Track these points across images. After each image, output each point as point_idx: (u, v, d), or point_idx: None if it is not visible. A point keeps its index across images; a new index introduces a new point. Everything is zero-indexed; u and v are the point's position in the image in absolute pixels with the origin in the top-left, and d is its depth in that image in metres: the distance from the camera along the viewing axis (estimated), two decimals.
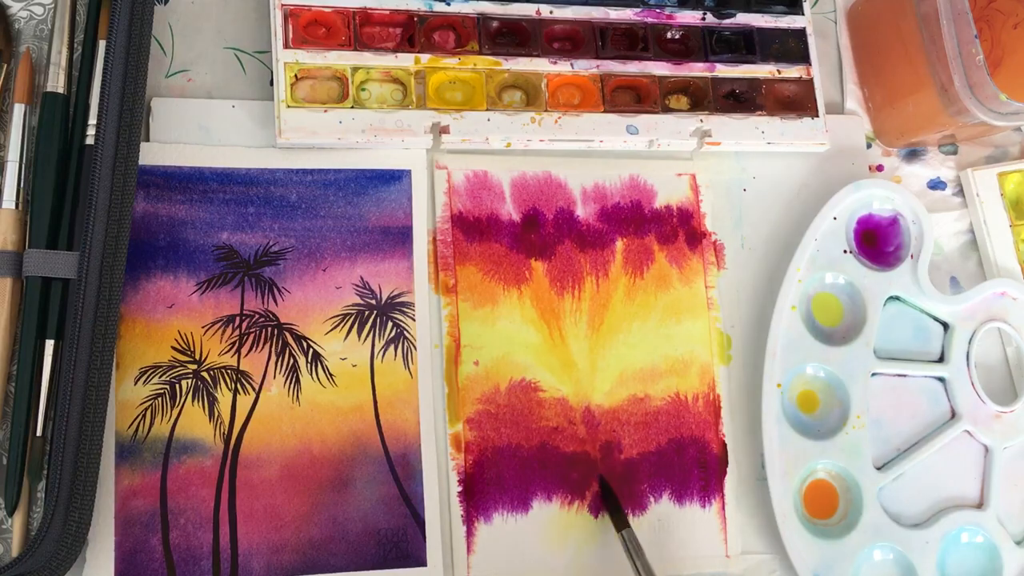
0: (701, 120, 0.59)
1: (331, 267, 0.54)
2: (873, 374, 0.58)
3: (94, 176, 0.47)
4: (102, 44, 0.50)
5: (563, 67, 0.58)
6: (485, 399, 0.54)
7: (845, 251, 0.59)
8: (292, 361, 0.52)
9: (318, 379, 0.52)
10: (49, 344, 0.48)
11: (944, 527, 0.57)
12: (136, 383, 0.50)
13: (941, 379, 0.60)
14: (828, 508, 0.57)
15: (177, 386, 0.50)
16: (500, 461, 0.54)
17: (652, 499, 0.55)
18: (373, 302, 0.54)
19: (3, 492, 0.47)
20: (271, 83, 0.55)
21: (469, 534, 0.53)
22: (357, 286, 0.54)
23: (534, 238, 0.57)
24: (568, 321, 0.56)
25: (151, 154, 0.52)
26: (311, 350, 0.52)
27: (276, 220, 0.53)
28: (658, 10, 0.60)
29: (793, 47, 0.62)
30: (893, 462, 0.58)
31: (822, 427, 0.57)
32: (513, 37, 0.58)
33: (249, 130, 0.54)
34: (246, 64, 0.56)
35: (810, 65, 0.62)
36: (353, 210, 0.54)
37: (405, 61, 0.55)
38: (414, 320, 0.54)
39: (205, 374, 0.51)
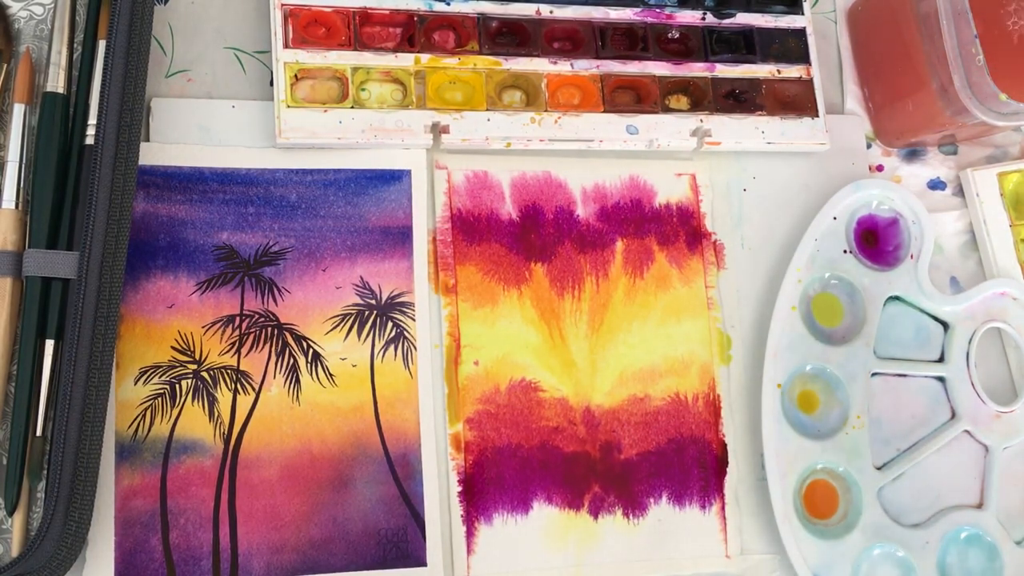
0: (701, 120, 0.59)
1: (331, 267, 0.54)
2: (873, 374, 0.58)
3: (94, 176, 0.47)
4: (102, 44, 0.50)
5: (563, 67, 0.58)
6: (485, 399, 0.54)
7: (845, 251, 0.59)
8: (292, 361, 0.52)
9: (318, 379, 0.52)
10: (49, 344, 0.48)
11: (944, 527, 0.57)
12: (136, 383, 0.50)
13: (941, 379, 0.60)
14: (828, 508, 0.57)
15: (177, 386, 0.50)
16: (500, 461, 0.54)
17: (652, 499, 0.55)
18: (373, 302, 0.54)
19: (3, 492, 0.47)
20: (271, 83, 0.55)
21: (469, 534, 0.53)
22: (357, 286, 0.54)
23: (534, 238, 0.57)
24: (568, 321, 0.56)
25: (151, 154, 0.52)
26: (311, 350, 0.52)
27: (276, 220, 0.53)
28: (658, 10, 0.60)
29: (793, 47, 0.62)
30: (893, 462, 0.58)
31: (822, 427, 0.57)
32: (513, 37, 0.58)
33: (249, 130, 0.54)
34: (246, 64, 0.56)
35: (810, 65, 0.62)
36: (353, 210, 0.54)
37: (405, 61, 0.55)
38: (414, 320, 0.54)
39: (205, 374, 0.51)
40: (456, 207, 0.56)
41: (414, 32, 0.56)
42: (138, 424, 0.50)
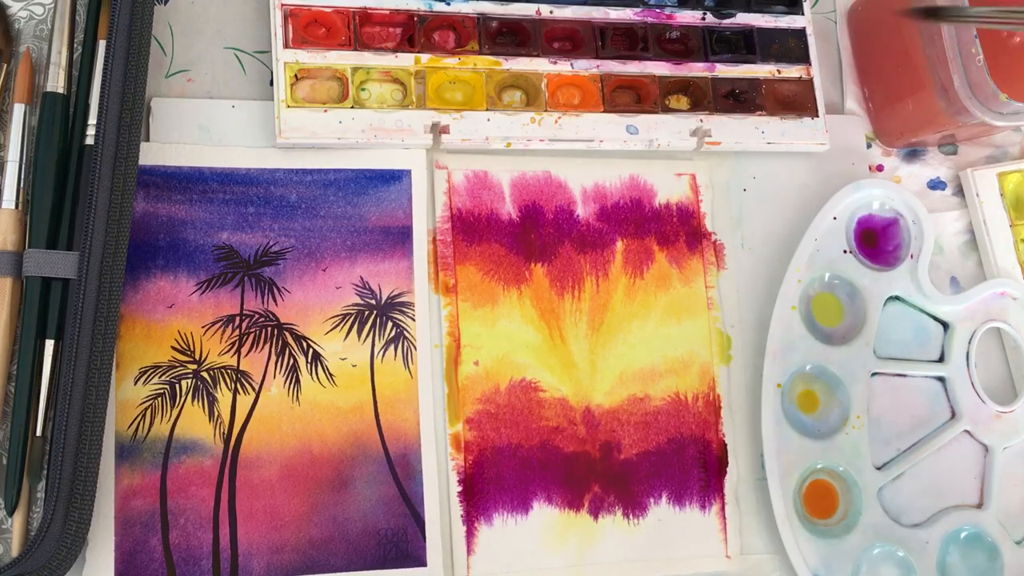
0: (701, 120, 0.59)
1: (331, 267, 0.54)
2: (873, 374, 0.58)
3: (94, 176, 0.47)
4: (102, 44, 0.50)
5: (563, 67, 0.58)
6: (485, 399, 0.54)
7: (845, 251, 0.59)
8: (292, 361, 0.52)
9: (318, 379, 0.52)
10: (49, 344, 0.48)
11: (944, 527, 0.57)
12: (136, 383, 0.50)
13: (941, 379, 0.60)
14: (828, 508, 0.57)
15: (177, 386, 0.50)
16: (500, 461, 0.54)
17: (652, 499, 0.55)
18: (373, 302, 0.54)
19: (3, 492, 0.47)
20: (271, 83, 0.55)
21: (469, 534, 0.53)
22: (357, 286, 0.54)
23: (534, 238, 0.57)
24: (568, 321, 0.56)
25: (151, 154, 0.52)
26: (311, 350, 0.52)
27: (276, 220, 0.53)
28: (658, 10, 0.60)
29: (793, 47, 0.62)
30: (893, 462, 0.58)
31: (822, 427, 0.57)
32: (513, 37, 0.58)
33: (249, 130, 0.54)
34: (246, 64, 0.56)
35: (810, 65, 0.62)
36: (353, 210, 0.54)
37: (405, 61, 0.55)
38: (414, 320, 0.54)
39: (205, 374, 0.51)
40: (456, 207, 0.56)
41: (414, 32, 0.56)
42: (138, 424, 0.50)
